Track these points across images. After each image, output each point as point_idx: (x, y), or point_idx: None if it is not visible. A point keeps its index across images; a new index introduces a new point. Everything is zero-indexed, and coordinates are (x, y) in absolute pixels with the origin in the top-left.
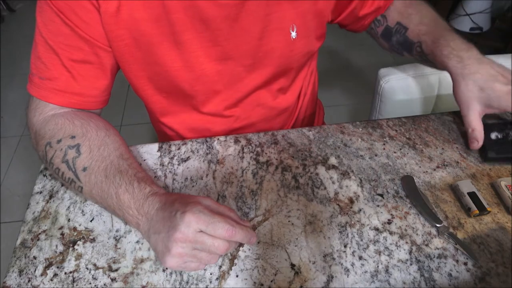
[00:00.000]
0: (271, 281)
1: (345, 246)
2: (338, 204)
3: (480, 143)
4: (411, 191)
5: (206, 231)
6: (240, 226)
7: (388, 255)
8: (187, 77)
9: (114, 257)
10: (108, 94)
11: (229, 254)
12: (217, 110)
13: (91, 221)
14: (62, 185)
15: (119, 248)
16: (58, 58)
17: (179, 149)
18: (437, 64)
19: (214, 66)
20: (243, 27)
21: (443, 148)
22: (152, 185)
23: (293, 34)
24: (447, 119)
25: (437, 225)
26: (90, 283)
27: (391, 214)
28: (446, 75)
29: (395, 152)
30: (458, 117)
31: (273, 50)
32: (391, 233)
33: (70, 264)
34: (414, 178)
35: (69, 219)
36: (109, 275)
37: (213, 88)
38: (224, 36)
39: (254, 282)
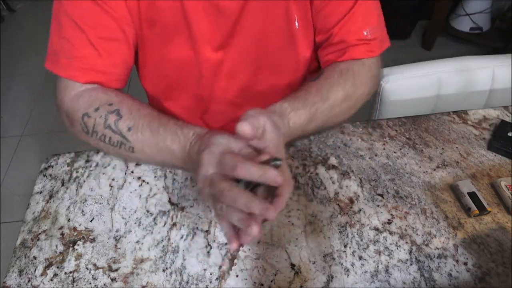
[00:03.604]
0: (271, 281)
1: (345, 246)
2: (338, 204)
3: None
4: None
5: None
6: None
7: (388, 255)
8: (194, 61)
9: (114, 257)
10: (129, 73)
11: (229, 254)
12: (222, 96)
13: (91, 221)
14: (105, 153)
15: (119, 248)
16: (86, 36)
17: None
18: None
19: (219, 52)
20: (250, 10)
21: (443, 148)
22: (194, 127)
23: (296, 24)
24: (447, 119)
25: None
26: (90, 283)
27: (391, 214)
28: (446, 75)
29: (395, 152)
30: (458, 117)
31: (277, 37)
32: (391, 233)
33: (70, 264)
34: (414, 177)
35: (69, 219)
36: (109, 275)
37: (218, 74)
38: (233, 21)
39: (254, 282)
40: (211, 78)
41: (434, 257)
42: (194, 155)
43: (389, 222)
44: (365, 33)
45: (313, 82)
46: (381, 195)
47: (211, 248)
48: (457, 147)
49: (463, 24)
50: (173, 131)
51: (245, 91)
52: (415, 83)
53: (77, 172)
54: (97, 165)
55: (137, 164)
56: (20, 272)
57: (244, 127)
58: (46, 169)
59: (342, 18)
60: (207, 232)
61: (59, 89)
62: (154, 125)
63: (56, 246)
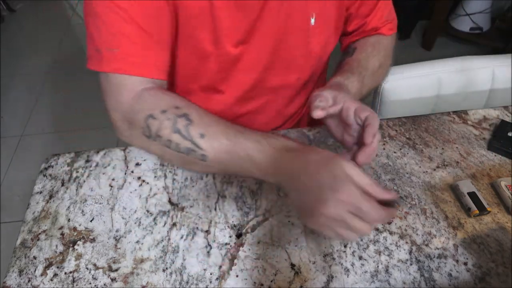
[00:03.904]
0: (271, 281)
1: (345, 246)
2: None
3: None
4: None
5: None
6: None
7: (388, 255)
8: (215, 55)
9: (114, 257)
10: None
11: (229, 254)
12: (234, 90)
13: (91, 221)
14: (168, 162)
15: (119, 248)
16: (137, 27)
17: None
18: None
19: (240, 47)
20: (270, 7)
21: (443, 148)
22: (280, 138)
23: (312, 20)
24: (447, 119)
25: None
26: (90, 283)
27: None
28: (446, 75)
29: (395, 152)
30: (458, 117)
31: (293, 33)
32: (391, 233)
33: (70, 264)
34: (414, 177)
35: (69, 219)
36: (109, 275)
37: (234, 69)
38: (254, 17)
39: (254, 282)
40: (227, 72)
41: (434, 257)
42: (290, 169)
43: (389, 222)
44: (385, 16)
45: (350, 58)
46: None
47: (211, 248)
48: (457, 147)
49: (463, 24)
50: (255, 139)
51: (257, 86)
52: (415, 83)
53: (77, 172)
54: (97, 165)
55: (137, 164)
56: (20, 272)
57: (318, 113)
58: (46, 169)
59: (374, 7)
60: (207, 232)
61: (111, 90)
62: (231, 133)
63: (56, 246)
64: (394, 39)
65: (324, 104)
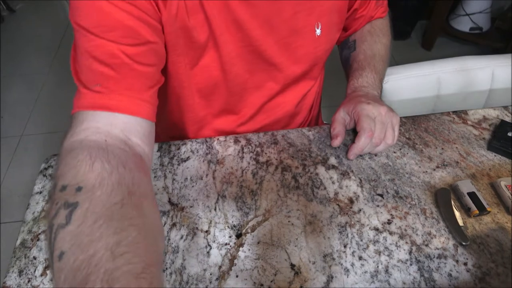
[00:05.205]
0: (271, 281)
1: (345, 246)
2: (338, 204)
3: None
4: (444, 205)
5: None
6: None
7: (388, 255)
8: (222, 77)
9: None
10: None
11: (229, 255)
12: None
13: None
14: None
15: None
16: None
17: (178, 149)
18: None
19: (244, 65)
20: (273, 25)
21: (442, 148)
22: None
23: (318, 31)
24: (447, 119)
25: (463, 243)
26: None
27: (391, 214)
28: (446, 75)
29: (394, 152)
30: (458, 117)
31: (299, 48)
32: (391, 233)
33: None
34: (414, 177)
35: None
36: None
37: (244, 88)
38: (255, 36)
39: (254, 282)
40: (239, 94)
41: (434, 257)
42: None
43: (389, 222)
44: (376, 2)
45: (354, 52)
46: (381, 195)
47: (211, 248)
48: (457, 147)
49: (463, 24)
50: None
51: (266, 103)
52: (415, 83)
53: None
54: None
55: None
56: (20, 272)
57: (337, 143)
58: (46, 169)
59: None
60: (207, 232)
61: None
62: (83, 274)
63: None
64: (388, 17)
65: (338, 130)
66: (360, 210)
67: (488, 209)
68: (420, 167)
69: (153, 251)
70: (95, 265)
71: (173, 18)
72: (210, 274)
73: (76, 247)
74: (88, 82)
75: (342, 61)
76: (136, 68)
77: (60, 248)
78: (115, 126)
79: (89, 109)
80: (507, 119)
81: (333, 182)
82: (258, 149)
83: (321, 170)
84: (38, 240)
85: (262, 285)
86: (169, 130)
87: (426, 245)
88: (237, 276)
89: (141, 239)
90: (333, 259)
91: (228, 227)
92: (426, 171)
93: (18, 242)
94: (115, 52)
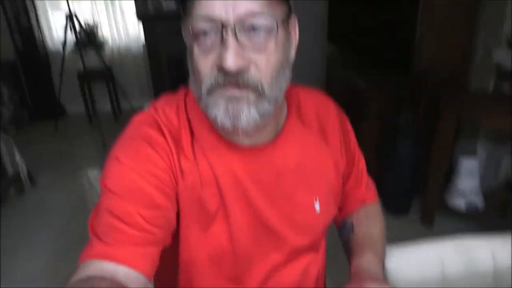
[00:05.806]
0: None
1: None
2: None
3: None
4: None
5: None
6: None
7: None
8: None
9: None
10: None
11: None
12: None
13: None
14: None
15: None
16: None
17: None
18: None
19: (251, 235)
20: (275, 200)
21: None
22: None
23: (317, 207)
24: None
25: None
26: None
27: None
28: (447, 256)
29: None
30: None
31: (300, 221)
32: None
33: None
34: None
35: None
36: None
37: (250, 258)
38: (262, 210)
39: None
40: (246, 264)
41: None
42: None
43: None
44: (365, 185)
45: (352, 235)
46: None
47: None
48: None
49: (458, 203)
50: None
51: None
52: (418, 264)
53: None
54: None
55: None
56: None
57: None
58: None
59: (357, 179)
60: None
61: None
62: None
63: None
64: (378, 202)
65: None
66: None
67: None
68: None
69: None
70: None
71: (189, 188)
72: None
73: None
74: (103, 234)
75: (342, 243)
76: (147, 228)
77: None
78: (118, 274)
79: (96, 258)
80: None
81: None
82: None
83: None
84: None
85: None
86: None
87: None
88: None
89: None
90: None
91: None
92: None
93: None
94: (131, 212)
